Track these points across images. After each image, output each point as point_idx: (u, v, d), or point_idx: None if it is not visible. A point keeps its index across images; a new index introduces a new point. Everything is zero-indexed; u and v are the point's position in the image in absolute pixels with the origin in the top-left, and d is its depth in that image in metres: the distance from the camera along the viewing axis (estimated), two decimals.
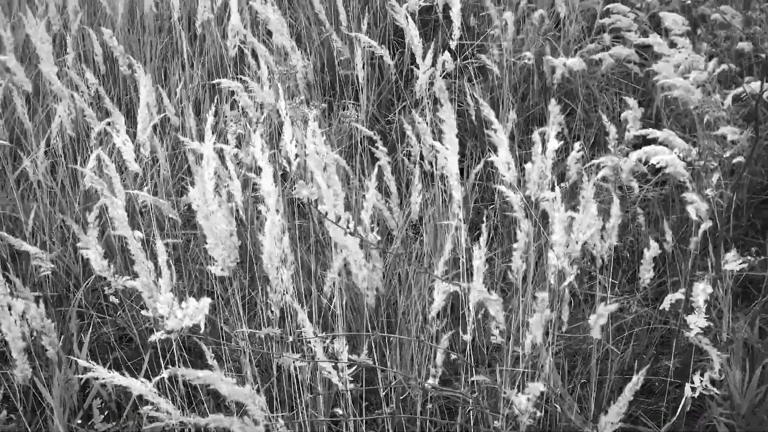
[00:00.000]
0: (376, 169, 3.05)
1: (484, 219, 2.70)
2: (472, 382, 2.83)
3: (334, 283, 2.87)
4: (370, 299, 2.62)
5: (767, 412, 2.73)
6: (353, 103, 4.68)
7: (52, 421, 2.88)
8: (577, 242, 2.51)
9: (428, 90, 4.03)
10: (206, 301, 1.81)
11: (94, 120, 3.70)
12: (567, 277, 2.56)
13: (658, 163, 2.79)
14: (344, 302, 3.13)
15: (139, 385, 1.94)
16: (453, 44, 3.90)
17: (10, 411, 3.01)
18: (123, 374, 2.98)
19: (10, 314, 2.50)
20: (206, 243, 2.48)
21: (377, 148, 3.46)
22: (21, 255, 3.64)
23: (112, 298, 3.04)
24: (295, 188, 2.32)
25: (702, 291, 2.53)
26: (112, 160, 3.37)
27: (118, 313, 3.43)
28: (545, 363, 2.73)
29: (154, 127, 4.10)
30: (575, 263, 2.57)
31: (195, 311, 1.88)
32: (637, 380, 2.32)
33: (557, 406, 2.79)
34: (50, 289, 3.53)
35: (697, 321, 2.49)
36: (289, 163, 2.90)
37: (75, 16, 4.51)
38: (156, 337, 2.00)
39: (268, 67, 4.00)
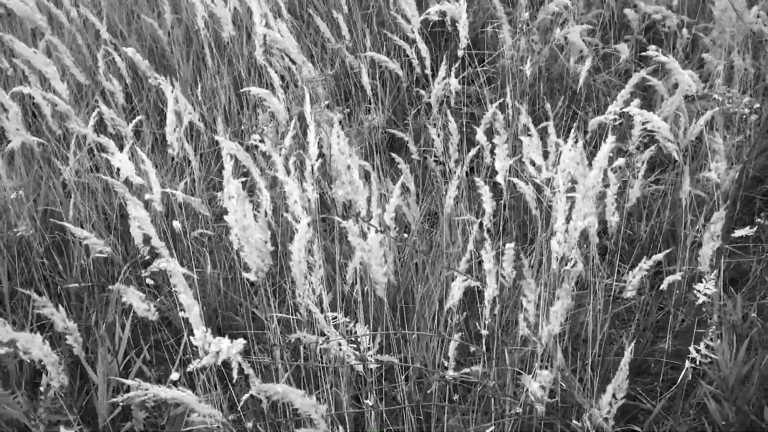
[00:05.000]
0: (401, 178, 3.10)
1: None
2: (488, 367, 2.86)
3: (356, 271, 2.91)
4: (380, 291, 2.66)
5: (754, 384, 2.76)
6: (370, 107, 4.71)
7: (97, 397, 2.92)
8: (576, 229, 2.53)
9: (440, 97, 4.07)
10: (239, 342, 1.83)
11: (124, 127, 3.75)
12: (568, 263, 2.58)
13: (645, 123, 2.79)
14: (365, 289, 3.17)
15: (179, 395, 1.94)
16: (460, 53, 3.94)
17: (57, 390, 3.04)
18: (162, 355, 3.04)
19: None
20: (243, 251, 2.51)
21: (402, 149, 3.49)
22: (67, 247, 3.70)
23: (148, 281, 3.10)
24: (332, 187, 2.38)
25: (707, 253, 2.53)
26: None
27: (158, 298, 3.47)
28: (550, 347, 2.76)
29: (189, 132, 4.16)
30: (574, 249, 2.59)
31: (227, 349, 1.89)
32: (627, 359, 2.32)
33: (563, 384, 2.82)
34: (94, 278, 3.58)
35: (705, 287, 2.49)
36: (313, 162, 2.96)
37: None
38: (193, 367, 2.02)
39: (283, 78, 4.05)
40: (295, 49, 3.87)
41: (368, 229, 2.59)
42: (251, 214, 2.49)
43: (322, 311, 2.76)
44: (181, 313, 2.41)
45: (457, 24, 3.93)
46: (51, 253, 3.68)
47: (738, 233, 2.63)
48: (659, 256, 2.73)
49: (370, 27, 5.15)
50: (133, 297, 2.44)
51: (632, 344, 2.39)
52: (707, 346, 2.46)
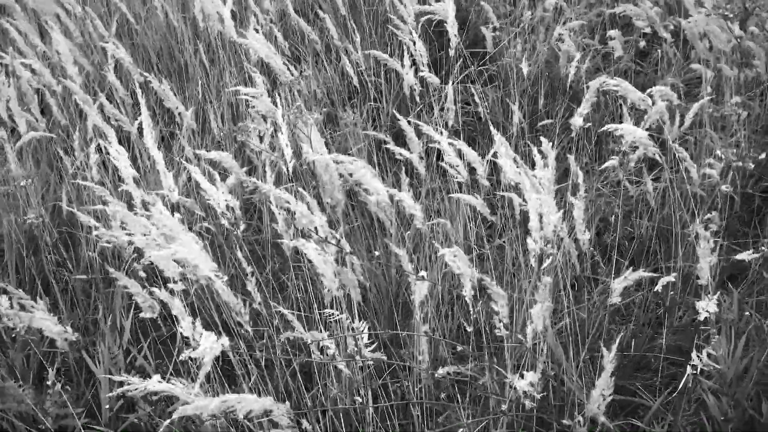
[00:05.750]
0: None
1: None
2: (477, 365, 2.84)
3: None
4: (356, 296, 2.64)
5: (752, 380, 2.75)
6: (375, 105, 4.70)
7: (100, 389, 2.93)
8: (549, 224, 2.49)
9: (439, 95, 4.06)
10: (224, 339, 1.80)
11: (126, 123, 3.72)
12: (546, 260, 2.54)
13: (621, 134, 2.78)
14: (368, 286, 3.16)
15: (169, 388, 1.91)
16: (452, 52, 3.91)
17: (64, 384, 3.04)
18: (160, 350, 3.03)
19: None
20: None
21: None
22: (74, 243, 3.69)
23: (140, 273, 3.07)
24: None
25: (705, 268, 2.51)
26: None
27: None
28: (549, 343, 2.74)
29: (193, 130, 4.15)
30: (550, 244, 2.55)
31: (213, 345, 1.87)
32: (611, 355, 2.28)
33: (554, 383, 2.81)
34: (100, 272, 3.58)
35: (707, 306, 2.47)
36: (286, 163, 2.93)
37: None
38: (185, 356, 2.00)
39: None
40: (268, 55, 3.83)
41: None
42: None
43: (323, 307, 2.74)
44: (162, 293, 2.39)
45: (445, 23, 3.90)
46: (59, 248, 3.67)
47: (739, 257, 2.62)
48: (635, 275, 2.67)
49: (375, 27, 5.13)
50: (135, 288, 2.42)
51: (616, 346, 2.35)
52: (708, 355, 2.44)
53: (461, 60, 4.41)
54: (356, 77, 4.17)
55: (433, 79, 3.73)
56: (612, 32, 4.28)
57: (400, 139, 4.64)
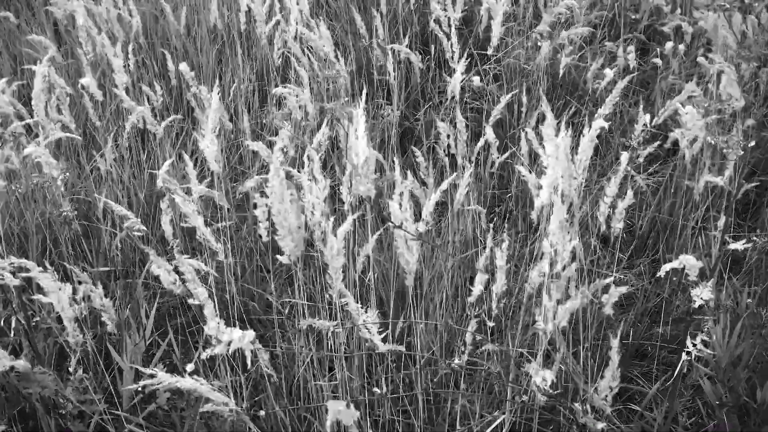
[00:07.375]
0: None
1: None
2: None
3: (368, 260, 2.90)
4: (409, 280, 2.67)
5: (745, 366, 2.77)
6: (386, 103, 4.72)
7: (121, 379, 2.96)
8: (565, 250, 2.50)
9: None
10: (250, 333, 1.79)
11: (155, 127, 3.74)
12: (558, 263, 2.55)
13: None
14: (376, 276, 3.18)
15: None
16: (490, 51, 3.93)
17: (84, 372, 3.07)
18: (186, 338, 3.06)
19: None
20: (276, 234, 2.49)
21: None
22: (93, 233, 3.72)
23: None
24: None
25: (694, 266, 2.52)
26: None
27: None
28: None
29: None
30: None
31: (239, 339, 1.86)
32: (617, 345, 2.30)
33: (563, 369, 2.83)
34: (119, 264, 3.61)
35: (701, 293, 2.48)
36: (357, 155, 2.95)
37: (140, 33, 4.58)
38: (206, 355, 2.00)
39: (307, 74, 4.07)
40: (330, 47, 3.89)
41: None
42: (288, 197, 2.48)
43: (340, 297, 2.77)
44: (191, 301, 2.42)
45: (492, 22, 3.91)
46: (80, 240, 3.70)
47: (732, 246, 2.64)
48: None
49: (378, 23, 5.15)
50: (160, 270, 2.45)
51: (618, 338, 2.37)
52: (703, 342, 2.46)
53: (469, 59, 4.43)
54: (393, 77, 4.19)
55: (477, 83, 3.76)
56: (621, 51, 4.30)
57: (407, 135, 4.68)
